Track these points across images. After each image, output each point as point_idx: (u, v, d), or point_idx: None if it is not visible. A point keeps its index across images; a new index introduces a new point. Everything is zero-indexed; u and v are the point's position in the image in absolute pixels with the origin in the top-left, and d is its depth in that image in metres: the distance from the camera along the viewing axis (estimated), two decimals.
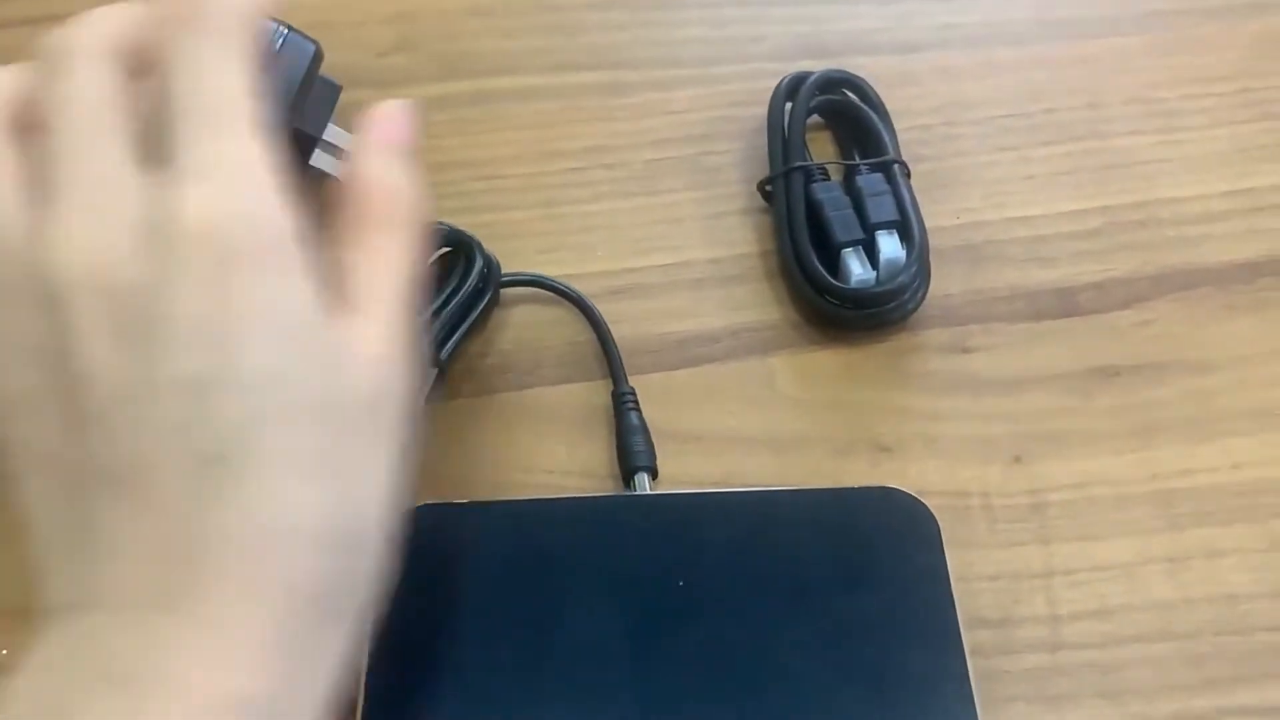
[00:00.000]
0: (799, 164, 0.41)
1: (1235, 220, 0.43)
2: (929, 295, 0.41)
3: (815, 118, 0.44)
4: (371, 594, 0.26)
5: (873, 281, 0.39)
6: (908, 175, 0.42)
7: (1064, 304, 0.41)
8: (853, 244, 0.40)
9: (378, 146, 0.29)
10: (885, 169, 0.41)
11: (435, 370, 0.38)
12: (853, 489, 0.34)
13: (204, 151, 0.25)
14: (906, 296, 0.39)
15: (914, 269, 0.39)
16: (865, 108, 0.43)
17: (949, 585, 0.32)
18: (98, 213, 0.24)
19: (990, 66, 0.47)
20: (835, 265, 0.40)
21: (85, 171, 0.25)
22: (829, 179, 0.42)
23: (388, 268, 0.27)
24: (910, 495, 0.34)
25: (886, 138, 0.42)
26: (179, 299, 0.23)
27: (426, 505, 0.35)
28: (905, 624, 0.32)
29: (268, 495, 0.23)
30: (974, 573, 0.35)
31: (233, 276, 0.24)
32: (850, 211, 0.40)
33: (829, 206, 0.40)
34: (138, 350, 0.23)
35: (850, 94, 0.44)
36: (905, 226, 0.40)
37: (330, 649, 0.25)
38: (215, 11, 0.26)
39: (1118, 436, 0.38)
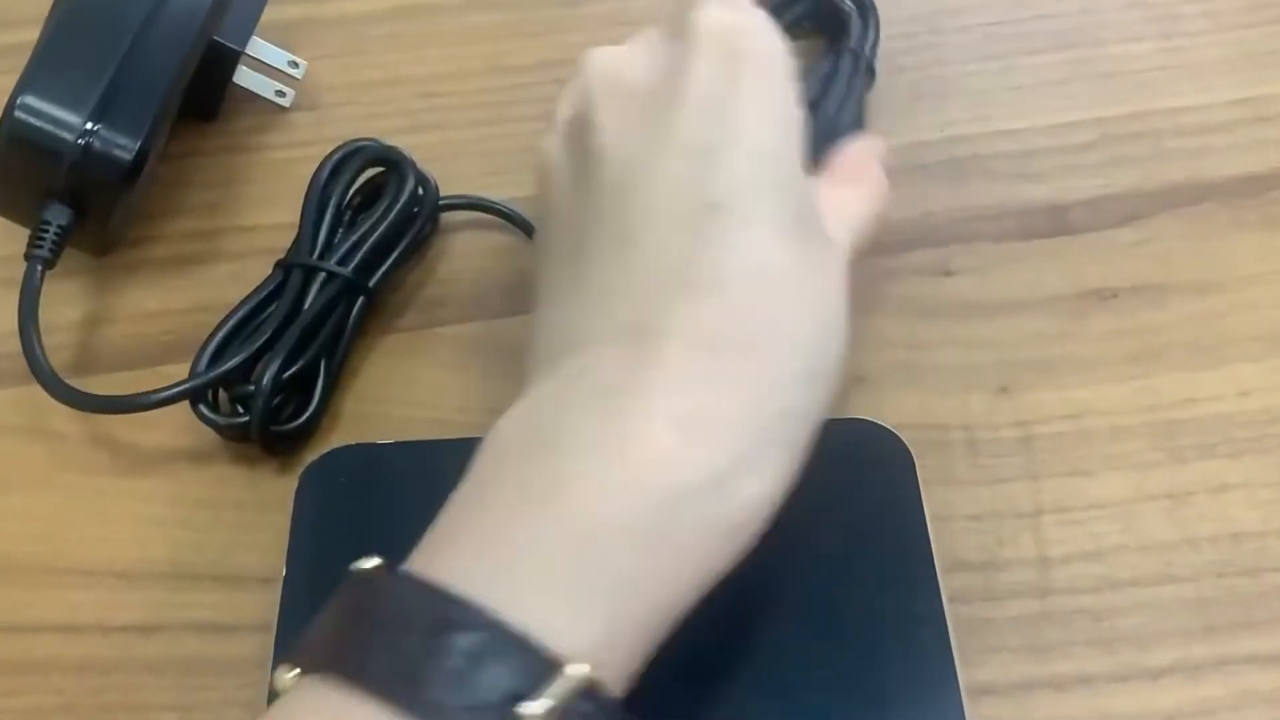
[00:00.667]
0: None
1: (1240, 131, 0.39)
2: (910, 213, 0.37)
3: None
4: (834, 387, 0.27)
5: None
6: (870, 80, 0.39)
7: (1055, 222, 0.38)
8: None
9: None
10: (835, 60, 0.39)
11: (363, 299, 0.34)
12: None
13: None
14: None
15: None
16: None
17: (925, 524, 0.29)
18: (633, 41, 0.30)
19: None
20: None
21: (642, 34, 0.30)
22: None
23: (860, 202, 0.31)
24: (883, 427, 0.31)
25: (857, 30, 0.39)
26: (693, 80, 0.27)
27: (346, 447, 0.31)
28: (876, 565, 0.29)
29: (754, 243, 0.26)
30: (955, 511, 0.32)
31: (742, 67, 0.27)
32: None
33: None
34: (650, 124, 0.27)
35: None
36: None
37: (797, 426, 0.26)
38: None
39: (1114, 363, 0.35)
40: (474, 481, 0.25)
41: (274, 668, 0.23)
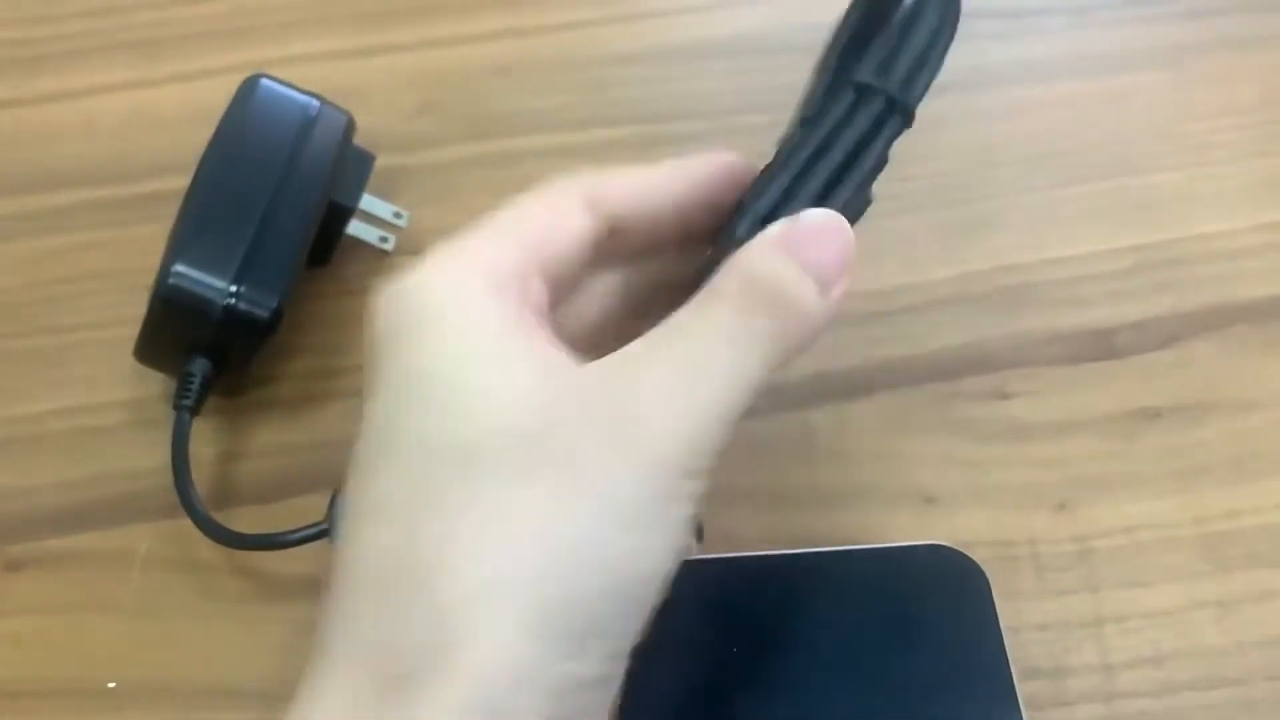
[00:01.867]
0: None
1: (1269, 255, 0.43)
2: (965, 340, 0.41)
3: None
4: None
5: None
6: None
7: (1102, 346, 0.41)
8: None
9: (794, 247, 0.25)
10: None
11: None
12: (901, 547, 0.34)
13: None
14: None
15: None
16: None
17: (1002, 641, 0.32)
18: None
19: (1016, 106, 0.47)
20: None
21: None
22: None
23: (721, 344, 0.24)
24: (959, 552, 0.34)
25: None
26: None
27: None
28: (960, 682, 0.32)
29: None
30: (1024, 623, 0.35)
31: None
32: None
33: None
34: None
35: None
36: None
37: None
38: None
39: (1162, 479, 0.38)
40: None
41: None
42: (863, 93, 0.28)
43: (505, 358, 0.24)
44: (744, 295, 0.24)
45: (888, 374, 0.41)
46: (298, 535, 0.36)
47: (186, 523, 0.38)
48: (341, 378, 0.42)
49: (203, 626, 0.37)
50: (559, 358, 0.24)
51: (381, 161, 0.44)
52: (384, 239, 0.44)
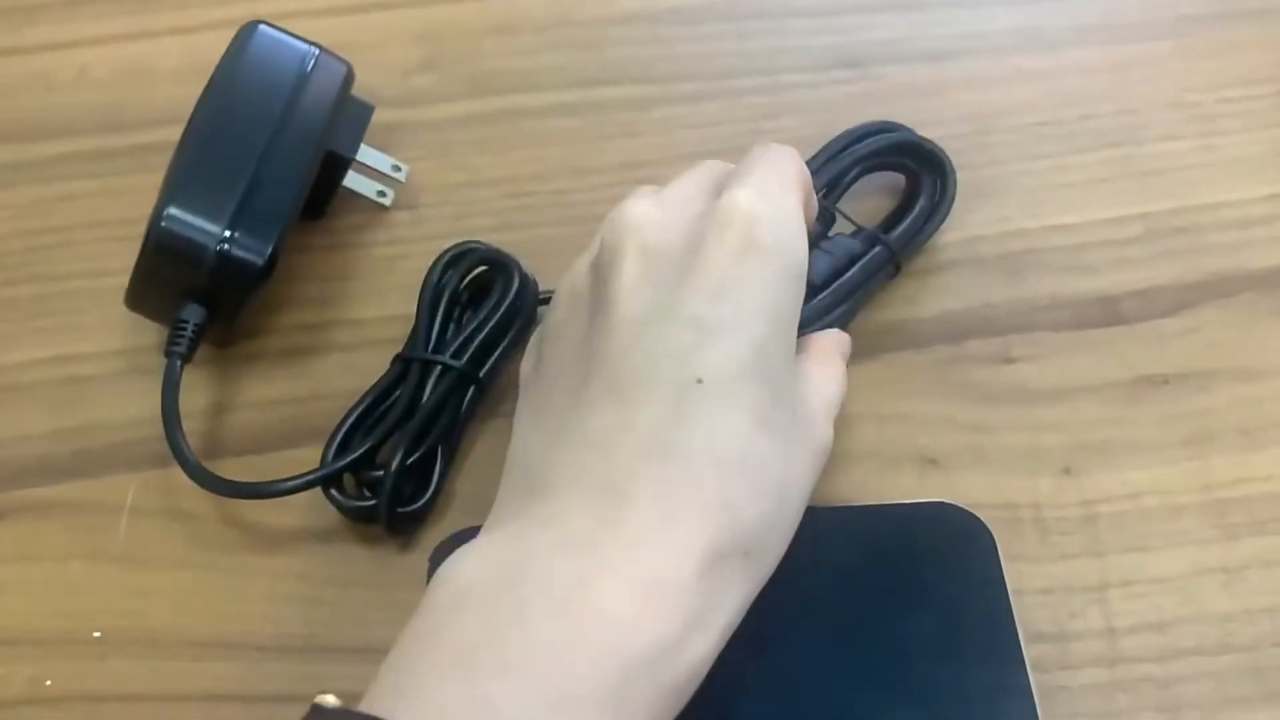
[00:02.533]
0: None
1: (1277, 225, 0.42)
2: (970, 304, 0.40)
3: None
4: (775, 563, 0.29)
5: None
6: (893, 273, 0.40)
7: (1107, 313, 0.40)
8: None
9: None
10: (870, 244, 0.39)
11: (475, 388, 0.37)
12: (906, 504, 0.34)
13: (762, 176, 0.31)
14: None
15: (803, 325, 0.34)
16: (921, 187, 0.41)
17: (1008, 599, 0.32)
18: (667, 198, 0.32)
19: (1021, 74, 0.46)
20: None
21: (680, 182, 0.34)
22: (821, 220, 0.40)
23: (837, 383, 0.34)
24: (965, 510, 0.34)
25: (910, 224, 0.40)
26: (709, 260, 0.29)
27: (471, 529, 0.34)
28: (966, 639, 0.31)
29: (729, 424, 0.28)
30: (1028, 586, 0.35)
31: (755, 258, 0.29)
32: None
33: None
34: (663, 288, 0.29)
35: (920, 170, 0.41)
36: (816, 291, 0.37)
37: (740, 589, 0.27)
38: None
39: (1168, 446, 0.37)
40: (432, 621, 0.26)
41: None
42: None
43: None
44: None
45: (892, 337, 0.40)
46: (289, 484, 0.35)
47: (175, 473, 0.37)
48: (333, 331, 0.41)
49: (190, 576, 0.36)
50: None
51: (380, 117, 0.44)
52: (382, 193, 0.44)
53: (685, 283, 0.29)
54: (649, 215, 0.31)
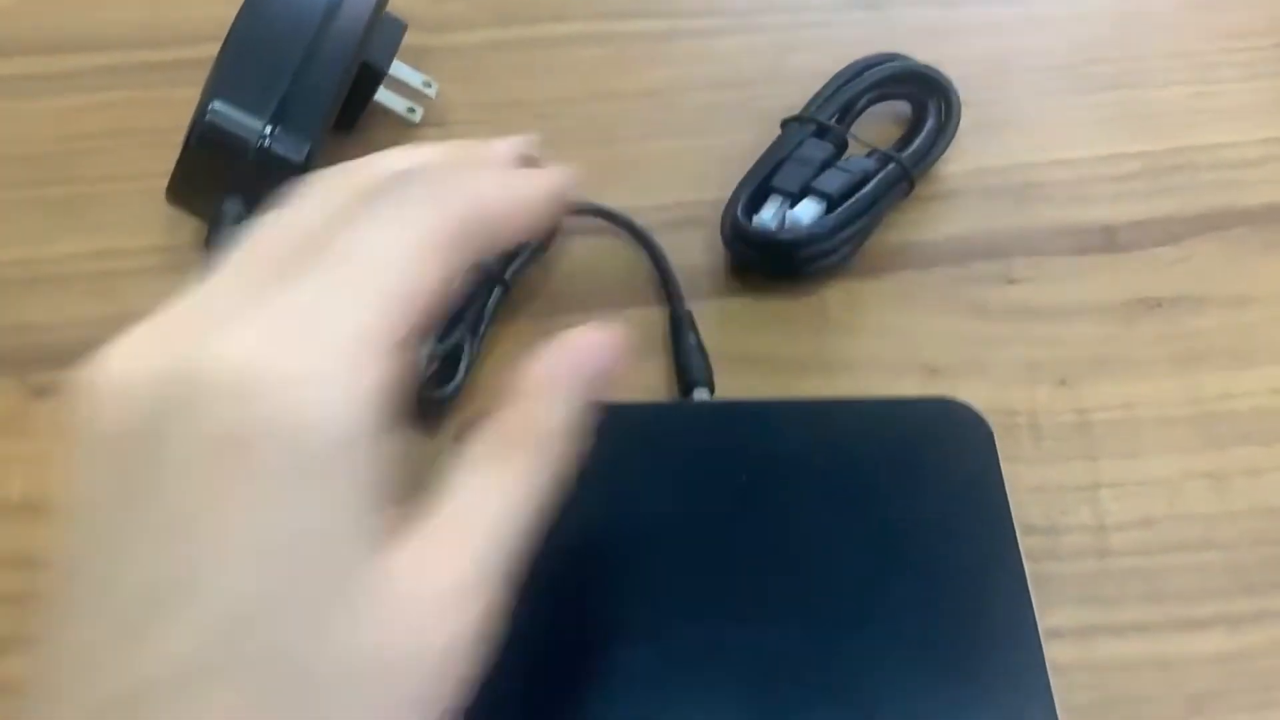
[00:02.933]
0: (812, 116, 0.42)
1: (1271, 166, 0.44)
2: (975, 229, 0.42)
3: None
4: None
5: (771, 229, 0.40)
6: (906, 190, 0.42)
7: (1106, 240, 0.42)
8: (782, 194, 0.40)
9: (559, 376, 0.25)
10: (884, 163, 0.41)
11: (500, 288, 0.39)
12: (909, 399, 0.36)
13: (306, 295, 0.20)
14: (794, 254, 0.39)
15: (817, 239, 0.39)
16: (927, 111, 0.43)
17: (1004, 489, 0.34)
18: (158, 332, 0.21)
19: (1032, 20, 0.48)
20: None
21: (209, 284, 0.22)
22: (834, 142, 0.42)
23: (501, 504, 0.22)
24: (963, 404, 0.35)
25: (920, 144, 0.42)
26: (166, 476, 0.18)
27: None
28: (962, 521, 0.33)
29: None
30: (1021, 484, 0.36)
31: (243, 461, 0.18)
32: (808, 170, 0.40)
33: (794, 158, 0.41)
34: (104, 517, 0.19)
35: (926, 97, 0.44)
36: (832, 206, 0.40)
37: None
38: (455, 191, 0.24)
39: (1160, 363, 0.39)
40: None
41: None
42: None
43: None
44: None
45: (899, 256, 0.42)
46: None
47: None
48: None
49: None
50: None
51: (409, 40, 0.45)
52: (411, 110, 0.45)
53: (133, 511, 0.19)
54: (114, 371, 0.20)
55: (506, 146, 0.30)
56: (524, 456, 0.23)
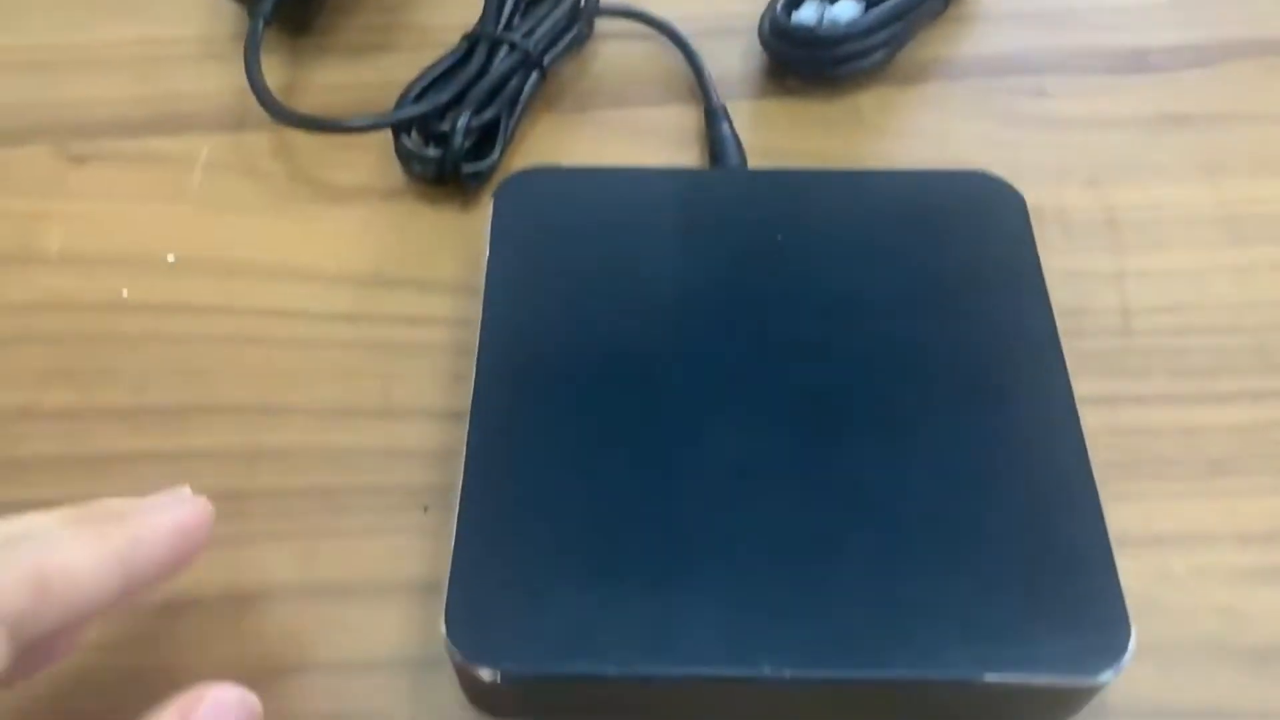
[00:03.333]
0: None
1: None
2: (1010, 48, 0.42)
3: None
4: None
5: (810, 25, 0.40)
6: (940, 6, 0.42)
7: (1137, 62, 0.43)
8: None
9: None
10: None
11: (537, 72, 0.39)
12: (943, 171, 0.36)
13: None
14: (831, 52, 0.40)
15: (854, 37, 0.40)
16: None
17: (1036, 254, 0.34)
18: None
19: None
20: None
21: None
22: None
23: None
24: (998, 177, 0.35)
25: None
26: None
27: (538, 167, 0.36)
28: (997, 289, 0.33)
29: None
30: (1050, 270, 0.36)
31: None
32: None
33: None
34: None
35: None
36: (870, 8, 0.40)
37: None
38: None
39: (1188, 169, 0.40)
40: None
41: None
42: None
43: None
44: None
45: (933, 67, 0.42)
46: (360, 123, 0.37)
47: (248, 137, 0.40)
48: (401, 33, 0.43)
49: (260, 221, 0.38)
50: None
51: None
52: None
53: None
54: None
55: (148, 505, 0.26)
56: None
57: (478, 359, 0.31)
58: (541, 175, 0.36)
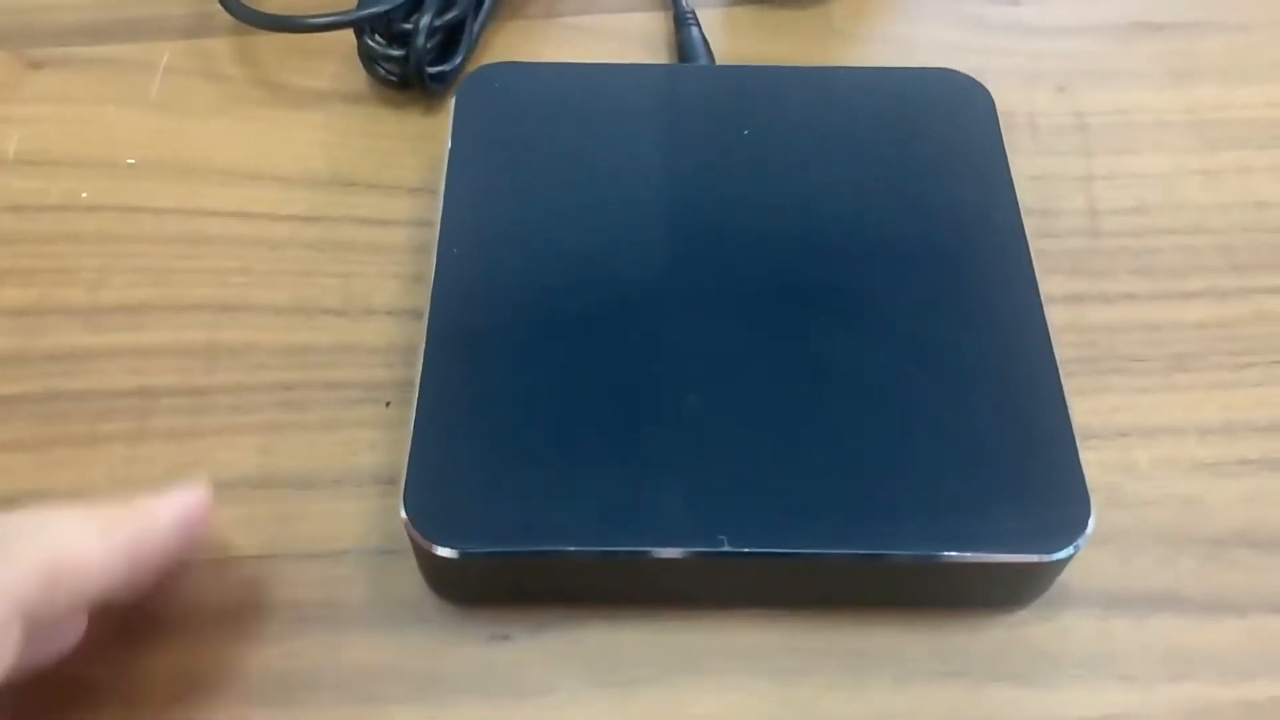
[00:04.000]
0: None
1: None
2: None
3: None
4: None
5: None
6: None
7: None
8: None
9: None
10: None
11: None
12: (911, 69, 0.35)
13: None
14: None
15: None
16: None
17: (1003, 149, 0.34)
18: None
19: None
20: None
21: None
22: None
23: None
24: (965, 75, 0.35)
25: None
26: None
27: (503, 63, 0.35)
28: (966, 183, 0.33)
29: None
30: (1018, 173, 0.36)
31: None
32: None
33: None
34: None
35: None
36: None
37: None
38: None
39: (1158, 76, 0.39)
40: None
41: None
42: None
43: None
44: None
45: None
46: (322, 20, 0.36)
47: (209, 41, 0.39)
48: None
49: (220, 124, 0.38)
50: None
51: None
52: None
53: None
54: None
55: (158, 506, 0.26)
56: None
57: (436, 252, 0.31)
58: (505, 70, 0.35)
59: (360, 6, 0.37)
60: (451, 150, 0.33)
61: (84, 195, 0.36)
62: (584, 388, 0.28)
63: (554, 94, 0.35)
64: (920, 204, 0.32)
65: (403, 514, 0.26)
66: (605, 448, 0.27)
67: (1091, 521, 0.27)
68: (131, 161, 0.37)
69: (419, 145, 0.37)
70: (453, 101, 0.34)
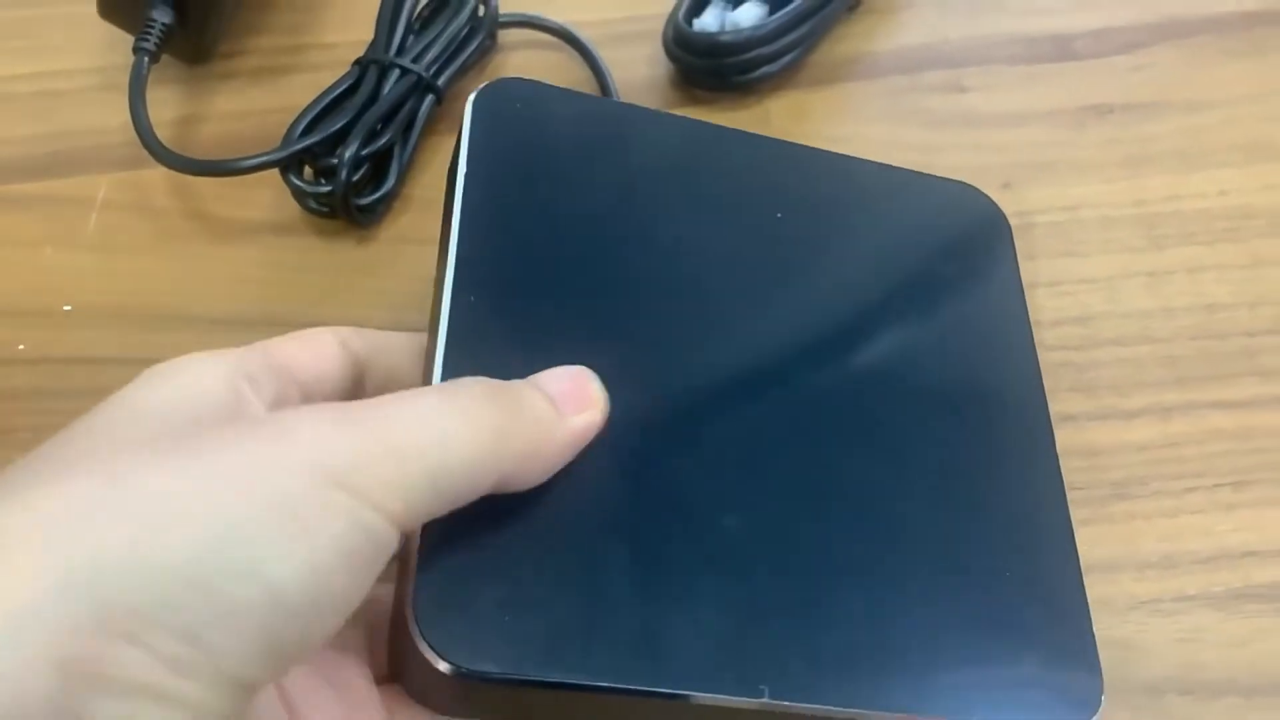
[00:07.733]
0: None
1: None
2: (928, 39, 0.41)
3: None
4: None
5: (712, 31, 0.39)
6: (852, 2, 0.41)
7: (1061, 49, 0.41)
8: None
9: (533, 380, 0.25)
10: None
11: (432, 96, 0.39)
12: (935, 176, 0.34)
13: None
14: (736, 59, 0.38)
15: (758, 41, 0.38)
16: None
17: (1021, 286, 0.32)
18: None
19: None
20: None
21: None
22: None
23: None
24: (985, 195, 0.34)
25: None
26: None
27: (520, 79, 0.32)
28: (984, 318, 0.32)
29: None
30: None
31: None
32: None
33: None
34: None
35: None
36: (778, 6, 0.39)
37: None
38: None
39: (1108, 166, 0.38)
40: None
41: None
42: None
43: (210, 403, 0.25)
44: (477, 385, 0.24)
45: (847, 68, 0.41)
46: (249, 162, 0.36)
47: (144, 174, 0.39)
48: (305, 54, 0.42)
49: (155, 262, 0.38)
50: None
51: None
52: None
53: None
54: None
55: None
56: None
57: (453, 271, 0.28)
58: (524, 86, 0.31)
59: (284, 143, 0.37)
60: (467, 162, 0.30)
61: (21, 347, 0.36)
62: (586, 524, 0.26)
63: (577, 130, 0.31)
64: (946, 341, 0.31)
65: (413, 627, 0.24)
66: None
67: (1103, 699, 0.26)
68: (68, 308, 0.37)
69: (353, 280, 0.37)
70: (466, 117, 0.30)
